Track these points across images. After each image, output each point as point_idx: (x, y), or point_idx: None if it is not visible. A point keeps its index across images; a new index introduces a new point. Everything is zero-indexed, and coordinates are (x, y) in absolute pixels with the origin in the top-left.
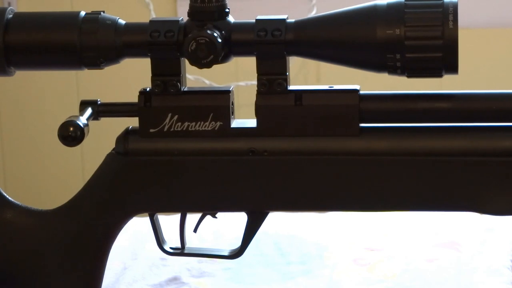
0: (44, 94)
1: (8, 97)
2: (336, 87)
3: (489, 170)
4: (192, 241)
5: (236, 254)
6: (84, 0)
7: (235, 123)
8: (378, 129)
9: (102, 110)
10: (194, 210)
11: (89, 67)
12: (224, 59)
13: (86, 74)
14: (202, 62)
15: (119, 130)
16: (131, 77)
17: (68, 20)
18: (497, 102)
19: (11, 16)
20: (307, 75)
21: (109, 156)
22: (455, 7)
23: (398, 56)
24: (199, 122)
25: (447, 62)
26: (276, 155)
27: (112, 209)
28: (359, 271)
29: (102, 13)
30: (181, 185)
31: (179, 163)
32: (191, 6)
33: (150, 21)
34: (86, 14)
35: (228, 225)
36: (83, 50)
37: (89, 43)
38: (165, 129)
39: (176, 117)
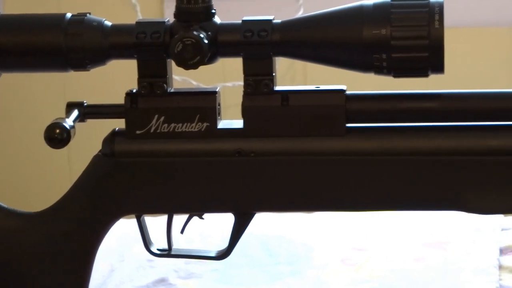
0: (30, 96)
1: None
2: (322, 87)
3: (475, 169)
4: (179, 243)
5: (223, 255)
6: (71, 2)
7: (222, 124)
8: (364, 129)
9: (88, 112)
10: (180, 211)
11: (76, 69)
12: (210, 60)
13: (73, 76)
14: (189, 63)
15: (106, 132)
16: (117, 78)
17: (54, 22)
18: (483, 101)
19: None
20: (294, 75)
21: (95, 158)
22: (441, 6)
23: (384, 56)
24: (185, 123)
25: (433, 62)
26: (263, 156)
27: (98, 211)
28: (347, 271)
29: (88, 14)
30: (168, 187)
31: (165, 165)
32: (177, 7)
33: (136, 22)
34: (72, 16)
35: (215, 226)
36: (69, 52)
37: (75, 45)
38: (152, 130)
39: (162, 118)
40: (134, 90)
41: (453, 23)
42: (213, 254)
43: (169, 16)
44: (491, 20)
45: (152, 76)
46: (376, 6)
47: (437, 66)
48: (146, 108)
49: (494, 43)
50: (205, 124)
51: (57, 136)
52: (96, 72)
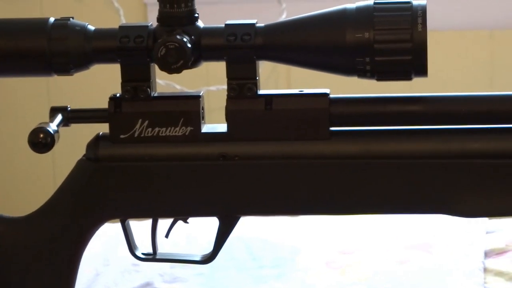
0: (14, 100)
1: None
2: (306, 91)
3: (459, 173)
4: (164, 247)
5: (208, 259)
6: (54, 7)
7: (206, 128)
8: (348, 133)
9: (72, 117)
10: (165, 215)
11: (59, 73)
12: (194, 64)
13: (57, 80)
14: (172, 67)
15: (90, 136)
16: (101, 83)
17: (38, 26)
18: (467, 104)
19: None
20: (278, 79)
21: (79, 162)
22: (423, 10)
23: (367, 59)
24: (169, 128)
25: (416, 65)
26: (247, 160)
27: (83, 215)
28: (332, 274)
29: (71, 19)
30: (152, 191)
31: (150, 169)
32: (160, 12)
33: (120, 26)
34: (55, 20)
35: (201, 229)
36: (53, 57)
37: (58, 49)
38: (136, 134)
39: (146, 122)
40: (118, 95)
41: (436, 26)
42: (198, 258)
43: (152, 21)
44: (473, 23)
45: (136, 80)
46: (359, 10)
47: (421, 69)
48: (130, 112)
49: (478, 46)
50: (189, 128)
51: (41, 141)
52: (80, 76)
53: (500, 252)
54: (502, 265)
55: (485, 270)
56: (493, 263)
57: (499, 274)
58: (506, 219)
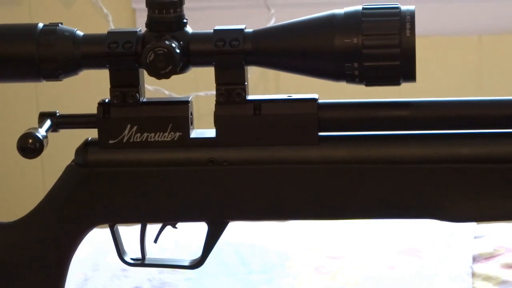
0: (2, 105)
1: None
2: (294, 96)
3: (447, 177)
4: (153, 252)
5: (197, 264)
6: (43, 13)
7: (195, 133)
8: (337, 138)
9: (61, 122)
10: (154, 220)
11: (48, 79)
12: (182, 69)
13: (46, 86)
14: (161, 72)
15: (79, 142)
16: (90, 88)
17: (26, 32)
18: (455, 109)
19: None
20: (266, 84)
21: (68, 168)
22: (412, 15)
23: (356, 65)
24: (158, 133)
25: (404, 70)
26: (235, 165)
27: (72, 220)
28: (321, 279)
29: (60, 25)
30: (141, 196)
31: (138, 174)
32: (149, 17)
33: (108, 32)
34: (44, 26)
35: (189, 234)
36: (42, 62)
37: (47, 55)
38: (125, 140)
39: (135, 128)
40: (107, 100)
41: (424, 31)
42: (186, 263)
43: (141, 26)
44: (461, 29)
45: (124, 85)
46: (347, 15)
47: (409, 74)
48: (119, 117)
49: (465, 51)
50: (177, 134)
51: (30, 146)
52: (69, 81)
53: (488, 256)
54: (490, 269)
55: (473, 274)
56: (481, 267)
57: (487, 278)
58: (494, 224)
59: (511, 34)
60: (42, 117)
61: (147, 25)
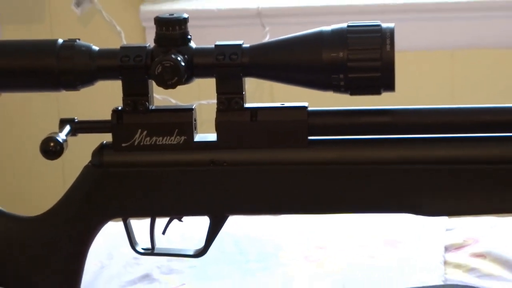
0: (28, 113)
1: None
2: (287, 104)
3: (424, 177)
4: (161, 242)
5: (200, 253)
6: (62, 30)
7: (198, 137)
8: (325, 141)
9: (79, 127)
10: (162, 215)
11: (67, 89)
12: (187, 80)
13: (65, 95)
14: (168, 83)
15: (95, 145)
16: (105, 97)
17: (47, 47)
18: (430, 116)
19: None
20: (262, 94)
21: (86, 168)
22: (391, 32)
23: (341, 76)
24: (165, 137)
25: (385, 81)
26: (234, 166)
27: (89, 215)
28: (310, 267)
29: (77, 40)
30: (150, 193)
31: (148, 174)
32: (157, 34)
33: (121, 47)
34: (63, 41)
35: (193, 227)
36: (61, 74)
37: (66, 68)
38: (136, 143)
39: (145, 132)
40: (120, 108)
41: (403, 46)
42: (191, 253)
43: (150, 42)
44: (435, 44)
45: (135, 95)
46: (334, 32)
47: (389, 85)
48: (130, 123)
49: (438, 65)
50: (182, 138)
51: (51, 149)
52: (86, 91)
53: (458, 247)
54: (460, 258)
55: (445, 263)
56: (452, 256)
57: (458, 266)
58: (463, 218)
59: (481, 49)
60: (62, 123)
61: (155, 41)
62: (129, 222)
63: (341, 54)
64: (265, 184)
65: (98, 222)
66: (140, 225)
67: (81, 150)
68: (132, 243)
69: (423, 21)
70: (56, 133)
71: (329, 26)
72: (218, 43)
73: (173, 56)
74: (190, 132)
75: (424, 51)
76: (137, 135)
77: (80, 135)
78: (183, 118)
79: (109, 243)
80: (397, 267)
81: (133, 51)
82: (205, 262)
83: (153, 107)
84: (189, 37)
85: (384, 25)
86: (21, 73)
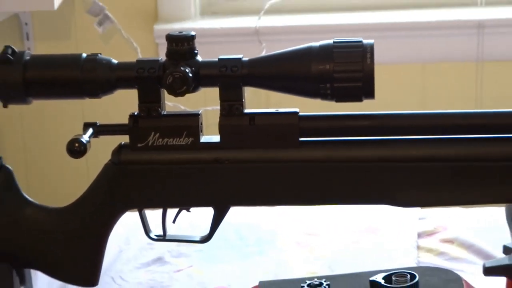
0: (56, 118)
1: (33, 121)
2: (281, 110)
3: (401, 173)
4: (172, 230)
5: (205, 239)
6: (86, 46)
7: (203, 138)
8: (314, 142)
9: (100, 130)
10: (172, 206)
11: (90, 96)
12: (194, 89)
13: (88, 102)
14: (177, 92)
15: (115, 145)
16: (123, 104)
17: (73, 60)
18: (407, 120)
19: (29, 57)
20: (259, 100)
21: (106, 166)
22: (371, 47)
23: (328, 85)
24: (175, 138)
25: (366, 90)
26: (235, 163)
27: (109, 206)
28: (302, 252)
29: (99, 54)
30: (162, 187)
31: (160, 170)
32: (168, 49)
33: (137, 60)
34: (87, 55)
35: (200, 217)
36: (85, 84)
37: (89, 78)
38: (150, 144)
39: (158, 134)
40: (136, 113)
41: (381, 60)
42: (198, 239)
43: (162, 56)
44: (408, 57)
45: (149, 102)
46: (321, 47)
47: (369, 93)
48: (145, 126)
49: (411, 76)
50: (190, 139)
51: (76, 149)
52: (106, 99)
53: (430, 233)
54: (431, 243)
55: (418, 247)
56: (424, 242)
57: (429, 250)
58: (434, 209)
59: (450, 62)
60: (86, 126)
61: (166, 55)
62: (144, 212)
63: (327, 67)
64: (262, 179)
65: (117, 212)
66: (153, 215)
67: (102, 150)
68: (147, 230)
69: (398, 38)
70: (80, 135)
71: (317, 42)
72: (221, 57)
73: (182, 68)
74: (197, 134)
75: (399, 65)
76: (151, 137)
77: (101, 137)
78: (191, 122)
79: (126, 230)
80: (376, 251)
81: (147, 64)
82: (210, 247)
83: (165, 113)
84: (196, 52)
85: (365, 41)
86: (51, 83)
